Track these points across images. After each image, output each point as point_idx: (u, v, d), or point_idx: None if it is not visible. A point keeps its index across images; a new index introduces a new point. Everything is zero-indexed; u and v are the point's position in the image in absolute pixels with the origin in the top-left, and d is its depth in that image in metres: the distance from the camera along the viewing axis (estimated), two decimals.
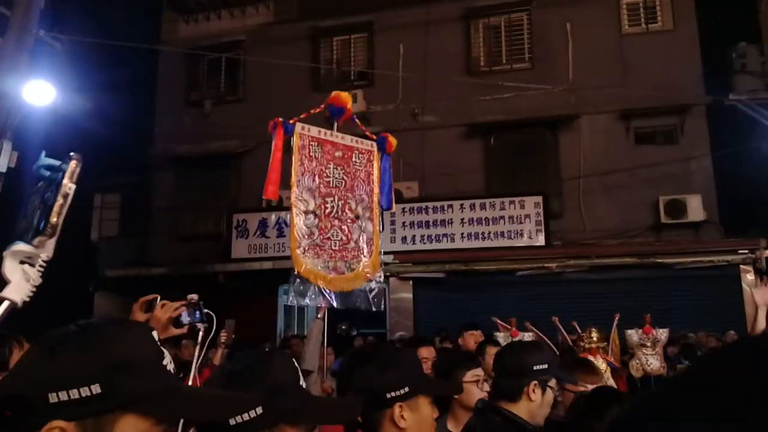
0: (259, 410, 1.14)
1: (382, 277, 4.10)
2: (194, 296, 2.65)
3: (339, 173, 3.98)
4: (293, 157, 3.74)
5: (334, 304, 3.73)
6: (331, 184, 3.93)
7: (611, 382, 4.17)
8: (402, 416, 1.71)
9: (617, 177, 12.04)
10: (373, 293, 3.98)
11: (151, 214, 14.68)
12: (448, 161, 12.67)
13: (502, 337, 4.62)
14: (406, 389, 1.73)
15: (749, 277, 10.99)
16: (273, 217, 12.45)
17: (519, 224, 11.68)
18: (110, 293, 13.17)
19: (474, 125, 12.91)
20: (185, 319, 2.56)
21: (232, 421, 1.12)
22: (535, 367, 2.21)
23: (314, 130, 3.92)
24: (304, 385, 1.26)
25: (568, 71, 12.41)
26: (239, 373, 1.24)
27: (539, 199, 11.68)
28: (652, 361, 4.68)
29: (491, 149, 12.95)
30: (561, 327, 5.11)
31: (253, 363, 1.25)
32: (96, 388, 0.90)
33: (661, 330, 4.86)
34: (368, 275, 3.94)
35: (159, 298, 2.55)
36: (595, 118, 12.54)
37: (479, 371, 2.71)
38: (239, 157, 14.07)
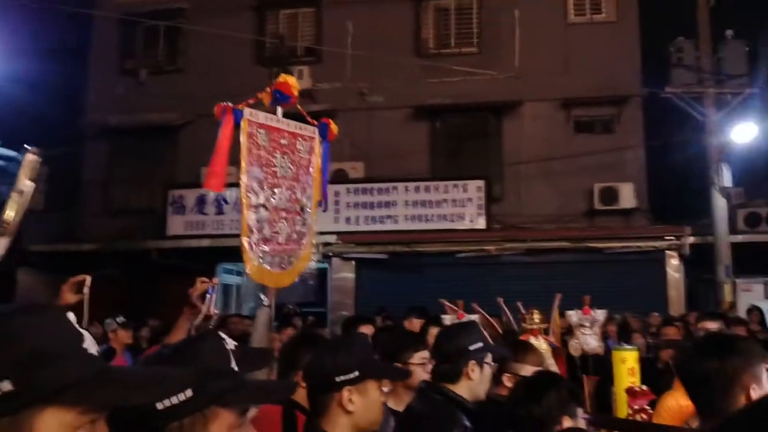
0: (189, 393, 1.09)
1: (315, 266, 4.03)
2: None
3: (286, 162, 3.78)
4: (242, 146, 3.50)
5: (272, 301, 3.65)
6: (278, 174, 3.72)
7: (552, 362, 4.29)
8: (350, 400, 1.71)
9: (556, 164, 12.36)
10: (310, 282, 3.91)
11: (81, 186, 14.02)
12: (394, 142, 12.67)
13: (449, 319, 4.66)
14: (356, 373, 1.73)
15: (674, 262, 11.58)
16: (212, 194, 12.11)
17: (461, 207, 11.85)
18: (35, 270, 12.53)
19: (421, 107, 12.95)
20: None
21: (159, 406, 1.06)
22: (470, 348, 2.26)
23: (261, 116, 3.64)
24: (235, 368, 1.20)
25: (514, 58, 12.59)
26: (167, 357, 1.19)
27: (482, 183, 11.88)
28: (591, 341, 4.82)
29: (437, 132, 13.04)
30: (506, 308, 5.20)
31: (181, 346, 1.20)
32: (6, 385, 0.84)
33: (599, 311, 5.01)
34: (304, 267, 3.83)
35: (90, 279, 2.44)
36: (538, 105, 12.80)
37: (425, 353, 2.74)
38: (177, 130, 13.60)
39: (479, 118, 13.01)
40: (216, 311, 2.84)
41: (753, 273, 11.11)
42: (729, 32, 11.57)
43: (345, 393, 1.73)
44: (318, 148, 4.01)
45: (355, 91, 12.89)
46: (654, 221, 12.31)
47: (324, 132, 4.05)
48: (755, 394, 1.59)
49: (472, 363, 2.29)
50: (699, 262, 11.38)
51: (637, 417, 3.42)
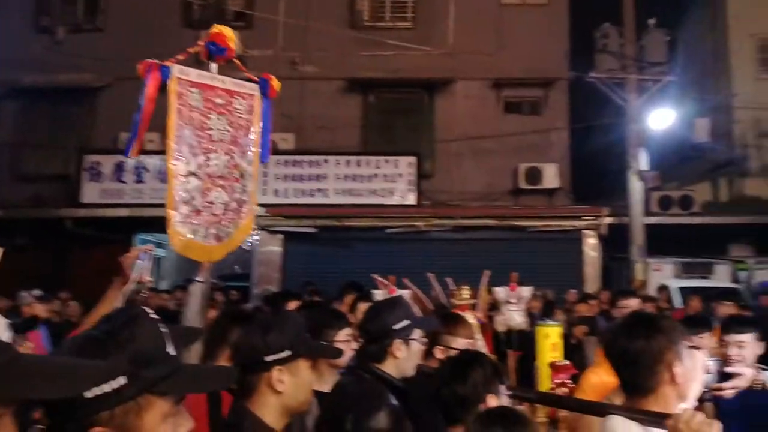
0: (122, 380, 1.03)
1: (256, 235, 3.79)
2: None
3: (222, 124, 3.43)
4: (170, 108, 3.17)
5: (208, 278, 3.44)
6: (213, 137, 3.38)
7: (479, 335, 4.37)
8: (280, 380, 1.67)
9: (485, 143, 12.57)
10: (245, 255, 3.68)
11: None
12: (326, 114, 12.48)
13: (380, 295, 4.66)
14: (288, 352, 1.68)
15: (591, 241, 12.09)
16: (131, 161, 11.53)
17: (392, 183, 11.87)
18: None
19: (354, 80, 12.79)
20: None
21: (89, 394, 1.00)
22: (395, 327, 2.25)
23: (193, 74, 3.29)
24: (172, 352, 1.14)
25: (448, 35, 12.61)
26: (98, 340, 1.10)
27: (413, 159, 11.93)
28: (516, 317, 4.99)
29: (370, 106, 12.94)
30: (436, 283, 5.26)
31: (113, 328, 1.11)
32: None
33: (524, 288, 5.17)
34: (243, 238, 3.53)
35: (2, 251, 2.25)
36: (470, 84, 12.93)
37: (350, 330, 2.70)
38: (95, 93, 12.85)
39: (412, 93, 13.01)
40: (150, 279, 2.67)
41: (664, 253, 11.77)
42: (651, 21, 12.02)
43: (275, 373, 1.68)
44: (258, 107, 3.69)
45: (287, 60, 12.55)
46: (575, 201, 12.79)
47: (264, 89, 3.72)
48: (678, 371, 1.66)
49: (397, 342, 2.28)
50: (614, 241, 11.94)
51: (559, 390, 3.53)
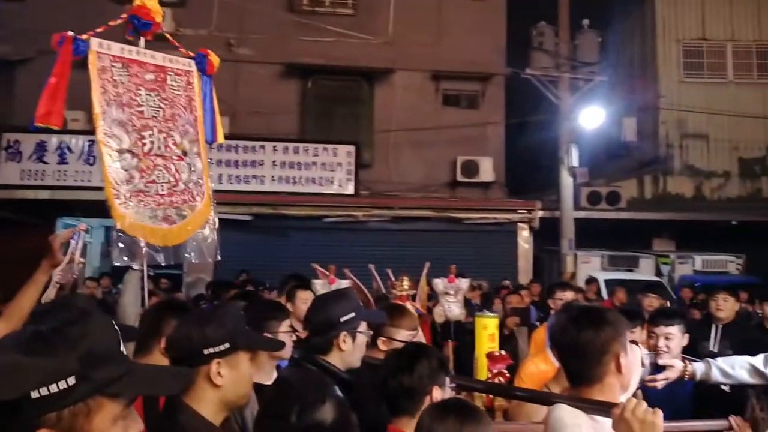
0: (72, 381, 0.98)
1: (216, 222, 3.62)
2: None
3: (154, 100, 3.32)
4: (92, 83, 3.03)
5: (162, 262, 3.24)
6: (145, 115, 3.26)
7: (418, 327, 4.37)
8: (219, 373, 1.63)
9: (424, 134, 12.63)
10: (208, 241, 3.50)
11: None
12: (262, 99, 12.18)
13: (320, 284, 4.57)
14: (227, 345, 1.65)
15: (524, 234, 12.40)
16: (54, 141, 10.89)
17: (331, 171, 11.74)
18: None
19: (292, 65, 12.54)
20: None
21: (35, 394, 0.95)
22: (341, 319, 2.23)
23: (116, 48, 3.19)
24: (124, 350, 1.10)
25: (388, 24, 12.55)
26: (45, 336, 1.02)
27: (352, 148, 11.84)
28: (454, 308, 5.00)
29: (308, 92, 12.73)
30: (376, 274, 5.22)
31: (63, 324, 1.04)
32: None
33: (463, 279, 5.19)
34: (203, 221, 3.40)
35: None
36: (409, 74, 12.93)
37: (290, 321, 2.69)
38: (14, 66, 12.03)
39: (351, 81, 12.90)
40: (82, 260, 2.48)
41: (592, 246, 12.22)
42: (585, 21, 12.39)
43: (213, 366, 1.63)
44: (197, 83, 3.57)
45: (222, 41, 12.13)
46: (509, 195, 13.07)
47: (202, 65, 3.60)
48: (623, 361, 1.70)
49: (343, 334, 2.25)
50: (545, 234, 12.29)
51: (496, 380, 3.60)
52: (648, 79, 14.16)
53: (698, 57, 13.92)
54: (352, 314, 2.30)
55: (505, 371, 3.66)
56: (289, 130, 12.32)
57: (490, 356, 3.75)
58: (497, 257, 11.85)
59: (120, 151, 3.10)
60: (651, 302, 5.55)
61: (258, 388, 2.43)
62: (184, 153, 3.40)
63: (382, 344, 2.72)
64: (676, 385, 2.96)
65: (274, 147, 11.67)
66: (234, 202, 11.38)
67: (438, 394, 1.94)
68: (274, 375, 2.69)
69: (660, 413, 1.54)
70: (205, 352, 1.63)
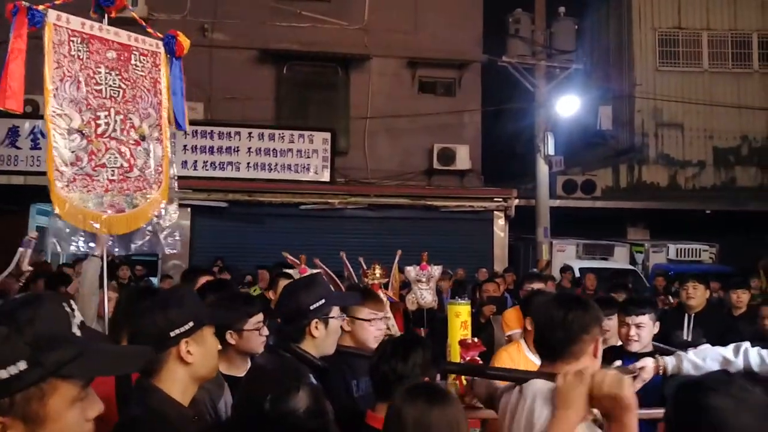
0: (22, 365, 0.99)
1: (177, 210, 3.49)
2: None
3: (114, 80, 3.16)
4: (45, 57, 2.89)
5: (114, 251, 3.12)
6: (104, 94, 3.10)
7: (390, 314, 4.36)
8: (188, 351, 1.69)
9: (400, 122, 12.57)
10: (166, 232, 3.38)
11: None
12: (237, 85, 12.01)
13: (293, 273, 4.53)
14: (191, 324, 1.70)
15: (500, 222, 12.44)
16: (26, 126, 10.65)
17: (306, 158, 11.64)
18: None
19: (267, 51, 12.37)
20: None
21: None
22: (311, 307, 2.23)
23: (75, 22, 3.04)
24: (77, 333, 1.08)
25: (364, 11, 12.43)
26: None
27: (328, 135, 11.74)
28: (426, 295, 5.01)
29: (283, 79, 12.58)
30: (347, 262, 5.18)
31: (13, 308, 1.05)
32: None
33: (435, 267, 5.20)
34: (156, 210, 3.27)
35: None
36: (385, 61, 12.84)
37: (260, 317, 2.64)
38: None
39: (327, 68, 12.77)
40: (29, 268, 2.41)
41: (567, 235, 12.30)
42: (561, 9, 12.37)
43: (182, 346, 1.69)
44: (165, 65, 3.43)
45: (196, 26, 11.92)
46: (485, 183, 13.08)
47: (171, 46, 3.46)
48: (600, 346, 1.80)
49: (315, 321, 2.25)
50: (521, 222, 12.34)
51: None
52: (624, 68, 14.24)
53: (674, 46, 14.02)
54: (322, 301, 2.29)
55: (478, 358, 3.68)
56: (264, 117, 12.17)
57: (462, 343, 3.75)
58: (473, 245, 11.88)
59: (69, 131, 2.95)
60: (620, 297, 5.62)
61: (232, 381, 2.47)
62: (143, 137, 3.26)
63: (346, 324, 2.70)
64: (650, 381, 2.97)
65: (250, 133, 11.54)
66: (209, 189, 11.26)
67: None
68: (248, 368, 2.65)
69: (628, 380, 1.62)
70: (172, 334, 1.67)
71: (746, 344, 2.77)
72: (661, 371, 2.78)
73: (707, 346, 2.89)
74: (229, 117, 11.80)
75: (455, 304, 4.26)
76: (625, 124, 13.90)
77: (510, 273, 9.44)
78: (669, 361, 2.79)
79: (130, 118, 3.23)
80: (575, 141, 13.45)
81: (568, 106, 11.72)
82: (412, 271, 5.05)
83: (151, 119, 3.34)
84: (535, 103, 12.08)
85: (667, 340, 3.39)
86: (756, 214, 13.01)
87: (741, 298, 5.24)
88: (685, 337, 4.56)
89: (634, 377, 2.78)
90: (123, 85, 3.22)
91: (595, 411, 1.67)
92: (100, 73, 3.11)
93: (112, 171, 3.10)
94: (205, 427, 1.89)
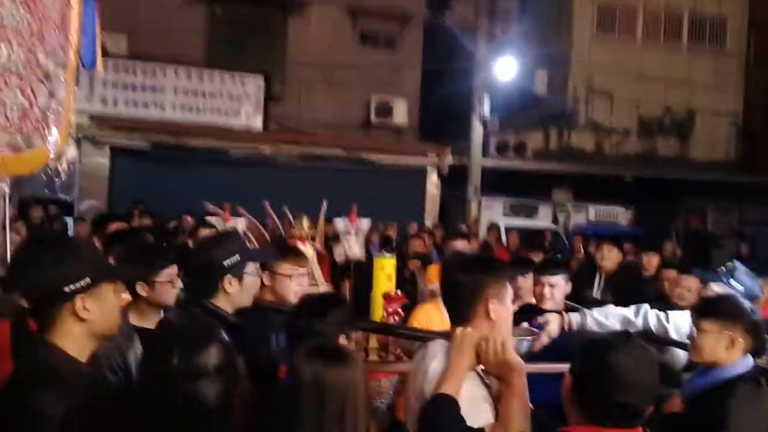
0: None
1: (75, 154, 3.26)
2: None
3: (19, 12, 2.81)
4: None
5: (6, 190, 2.87)
6: (4, 24, 2.77)
7: (316, 266, 4.30)
8: (85, 308, 1.63)
9: (338, 72, 12.29)
10: (62, 177, 3.17)
11: None
12: (164, 19, 11.31)
13: (215, 222, 4.37)
14: (87, 280, 1.64)
15: (433, 179, 12.53)
16: None
17: (238, 103, 11.23)
18: None
19: None
20: None
21: None
22: (225, 263, 2.21)
23: None
24: None
25: None
26: None
27: (261, 79, 11.34)
28: (354, 248, 4.99)
29: (216, 17, 11.96)
30: (272, 213, 5.04)
31: None
32: None
33: (364, 220, 5.16)
34: (53, 153, 3.03)
35: None
36: (325, 8, 12.45)
37: (173, 269, 2.56)
38: None
39: (264, 10, 12.22)
40: None
41: (497, 194, 12.57)
42: None
43: (78, 302, 1.62)
44: (78, 4, 3.19)
45: None
46: (421, 139, 13.09)
47: None
48: (493, 307, 1.79)
49: (228, 277, 2.21)
50: (453, 180, 12.48)
51: (391, 318, 3.71)
52: (561, 33, 14.39)
53: (611, 16, 14.25)
54: (237, 257, 2.24)
55: (400, 310, 3.74)
56: (194, 57, 11.58)
57: (386, 296, 3.81)
58: (406, 200, 11.92)
59: None
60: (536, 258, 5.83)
61: (143, 333, 2.41)
62: (47, 76, 3.00)
63: (266, 278, 2.70)
64: (558, 338, 3.08)
65: (177, 72, 10.97)
66: (130, 129, 10.71)
67: (343, 343, 2.00)
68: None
69: (509, 344, 1.69)
70: (66, 290, 1.60)
71: (646, 306, 2.94)
72: (566, 327, 2.90)
73: (611, 305, 3.03)
74: (156, 53, 11.13)
75: (381, 257, 4.29)
76: (559, 88, 14.14)
77: (439, 228, 9.56)
78: (574, 318, 2.91)
79: (35, 54, 2.94)
80: (511, 103, 13.61)
81: (505, 68, 11.77)
82: (340, 223, 5.00)
83: (59, 58, 3.08)
84: (475, 63, 12.07)
85: (578, 298, 3.53)
86: (672, 182, 13.74)
87: (651, 261, 5.51)
88: (594, 296, 4.79)
89: (534, 339, 2.91)
90: (30, 19, 2.91)
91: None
92: (5, 5, 2.80)
93: (13, 107, 2.82)
94: (104, 385, 1.83)
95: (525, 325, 2.68)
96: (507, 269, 1.94)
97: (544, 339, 2.86)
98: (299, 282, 2.75)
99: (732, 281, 3.05)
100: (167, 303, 2.53)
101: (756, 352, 2.27)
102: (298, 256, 2.85)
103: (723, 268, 3.20)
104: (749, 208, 15.19)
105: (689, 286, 3.74)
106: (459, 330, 1.74)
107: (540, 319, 2.97)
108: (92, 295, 1.64)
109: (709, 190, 14.29)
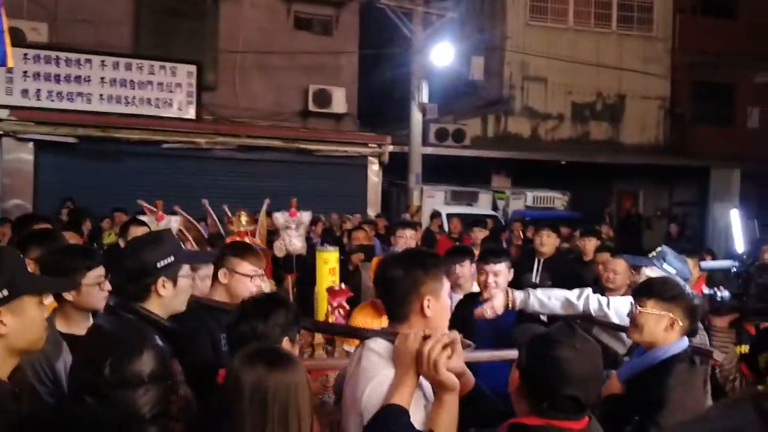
0: None
1: None
2: None
3: None
4: None
5: None
6: None
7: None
8: (2, 322, 1.57)
9: (274, 59, 12.04)
10: None
11: None
12: (88, 5, 10.76)
13: (148, 221, 4.18)
14: (5, 292, 1.57)
15: (374, 168, 12.51)
16: None
17: (169, 92, 10.84)
18: None
19: None
20: None
21: None
22: (158, 264, 2.10)
23: None
24: None
25: None
26: None
27: (193, 68, 10.98)
28: (295, 242, 4.89)
29: (143, 3, 11.45)
30: (211, 211, 4.88)
31: None
32: None
33: (304, 213, 5.06)
34: None
35: None
36: None
37: (100, 271, 2.46)
38: None
39: None
40: None
41: (438, 181, 12.66)
42: None
43: None
44: None
45: None
46: (361, 127, 13.01)
47: None
48: (428, 304, 1.76)
49: (161, 279, 2.10)
50: (394, 168, 12.49)
51: (336, 312, 3.65)
52: (496, 20, 14.56)
53: (543, 1, 14.51)
54: (171, 258, 2.13)
55: (345, 304, 3.69)
56: (120, 44, 11.07)
57: (330, 290, 3.75)
58: (347, 190, 11.87)
59: None
60: (476, 235, 5.92)
61: (71, 339, 2.31)
62: None
63: (223, 277, 2.64)
64: (502, 315, 3.15)
65: (103, 62, 10.47)
66: (56, 122, 10.19)
67: (287, 345, 1.96)
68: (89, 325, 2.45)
69: (449, 347, 1.61)
70: None
71: (588, 290, 3.03)
72: (510, 305, 2.97)
73: (555, 289, 3.12)
74: (79, 41, 10.59)
75: (323, 251, 4.22)
76: (495, 75, 14.33)
77: (381, 218, 9.54)
78: (518, 296, 3.01)
79: None
80: (449, 90, 13.69)
81: (442, 54, 11.79)
82: (280, 217, 4.87)
83: None
84: (412, 49, 12.04)
85: (517, 283, 3.58)
86: (605, 166, 14.20)
87: (587, 245, 5.66)
88: (533, 280, 4.88)
89: (480, 311, 2.94)
90: None
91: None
92: None
93: None
94: (31, 399, 1.77)
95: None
96: (441, 264, 1.89)
97: (489, 314, 2.93)
98: (256, 283, 2.68)
99: (665, 265, 3.14)
100: (95, 307, 2.43)
101: (690, 334, 2.36)
102: (257, 255, 2.76)
103: (654, 253, 3.29)
104: (678, 189, 15.91)
105: (615, 268, 3.82)
106: (401, 337, 1.68)
107: (485, 295, 3.11)
108: (10, 308, 1.56)
109: (640, 173, 14.85)
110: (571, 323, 1.66)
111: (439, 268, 1.83)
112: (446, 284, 1.82)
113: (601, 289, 3.84)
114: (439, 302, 1.78)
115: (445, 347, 1.60)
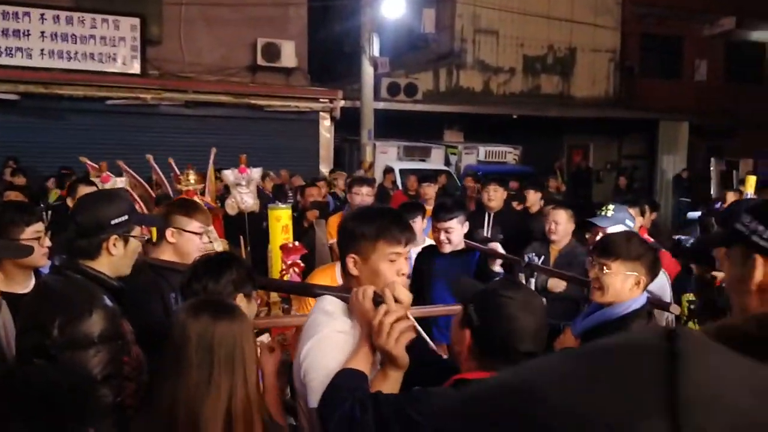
0: None
1: None
2: None
3: None
4: None
5: None
6: None
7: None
8: None
9: (221, 11, 11.64)
10: None
11: None
12: None
13: (97, 181, 4.09)
14: None
15: (326, 123, 12.39)
16: None
17: (112, 47, 10.43)
18: None
19: None
20: None
21: None
22: (112, 222, 2.06)
23: None
24: None
25: None
26: None
27: (137, 21, 10.55)
28: (247, 199, 4.86)
29: None
30: (156, 167, 4.79)
31: None
32: None
33: (255, 169, 5.03)
34: None
35: None
36: None
37: (39, 226, 2.42)
38: None
39: None
40: None
41: (390, 137, 12.65)
42: None
43: None
44: None
45: None
46: (312, 82, 12.80)
47: None
48: (353, 263, 1.73)
49: (114, 238, 2.06)
50: (346, 124, 12.40)
51: (291, 270, 3.65)
52: None
53: None
54: (125, 217, 2.10)
55: (299, 261, 3.71)
56: None
57: (284, 248, 3.76)
58: (298, 146, 11.77)
59: None
60: (425, 191, 6.01)
61: (13, 298, 2.26)
62: None
63: (170, 236, 2.59)
64: (463, 255, 3.35)
65: (42, 15, 9.96)
66: None
67: (243, 302, 1.94)
68: (32, 283, 2.43)
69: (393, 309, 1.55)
70: None
71: None
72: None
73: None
74: None
75: (276, 208, 4.22)
76: (446, 28, 14.24)
77: (341, 173, 9.32)
78: None
79: None
80: (400, 43, 13.56)
81: (393, 6, 11.62)
82: (230, 174, 4.82)
83: None
84: (362, 1, 11.83)
85: (469, 238, 3.68)
86: (556, 120, 14.42)
87: (531, 197, 5.82)
88: (485, 235, 5.03)
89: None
90: None
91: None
92: None
93: None
94: None
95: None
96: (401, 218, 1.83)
97: (447, 248, 3.12)
98: (204, 240, 2.66)
99: (627, 221, 3.21)
100: (36, 264, 2.39)
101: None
102: (204, 212, 2.72)
103: (604, 210, 3.35)
104: (627, 142, 16.32)
105: (557, 219, 3.94)
106: (355, 293, 1.62)
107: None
108: None
109: (591, 127, 15.20)
110: (511, 278, 1.70)
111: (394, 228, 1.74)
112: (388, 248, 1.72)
113: (547, 241, 4.00)
114: (367, 264, 1.71)
115: (399, 320, 1.53)
